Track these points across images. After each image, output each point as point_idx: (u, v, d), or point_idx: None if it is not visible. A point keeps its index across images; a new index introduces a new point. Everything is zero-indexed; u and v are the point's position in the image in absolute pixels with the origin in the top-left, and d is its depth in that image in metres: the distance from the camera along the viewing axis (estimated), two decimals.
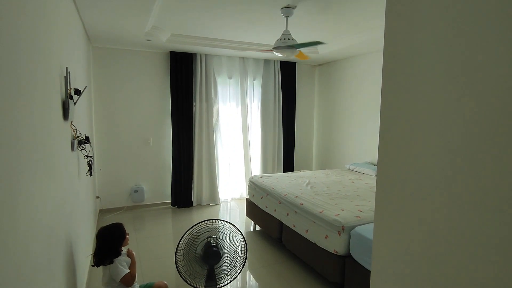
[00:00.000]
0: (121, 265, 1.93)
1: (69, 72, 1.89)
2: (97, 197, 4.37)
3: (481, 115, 0.62)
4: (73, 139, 2.08)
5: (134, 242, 3.50)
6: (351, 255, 2.36)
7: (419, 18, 0.75)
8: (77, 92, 2.13)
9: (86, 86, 2.49)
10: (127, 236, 2.05)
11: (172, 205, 4.85)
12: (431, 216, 0.73)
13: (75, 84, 2.28)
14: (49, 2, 1.56)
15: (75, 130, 2.13)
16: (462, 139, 0.66)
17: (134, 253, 2.11)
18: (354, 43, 4.01)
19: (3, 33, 0.87)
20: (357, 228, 2.35)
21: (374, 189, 3.15)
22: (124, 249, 2.07)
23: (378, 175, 0.90)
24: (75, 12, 2.69)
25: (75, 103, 2.04)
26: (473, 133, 0.64)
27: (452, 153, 0.68)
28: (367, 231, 2.27)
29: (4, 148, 0.85)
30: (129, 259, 2.05)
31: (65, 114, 1.79)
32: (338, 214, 2.54)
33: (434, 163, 0.72)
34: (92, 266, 1.96)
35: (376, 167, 3.69)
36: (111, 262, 1.92)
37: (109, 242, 1.95)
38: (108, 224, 2.05)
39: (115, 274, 1.91)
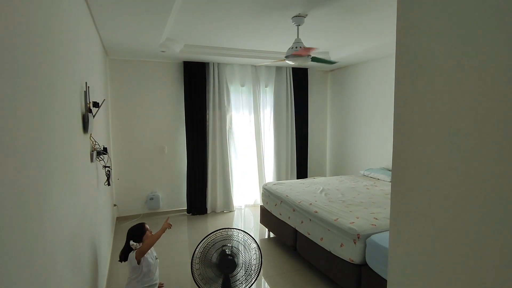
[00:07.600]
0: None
1: (88, 87, 1.97)
2: (114, 205, 4.47)
3: (497, 121, 0.62)
4: (92, 151, 2.15)
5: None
6: (367, 264, 2.33)
7: (430, 24, 0.75)
8: (96, 105, 2.21)
9: (104, 100, 2.57)
10: (147, 232, 2.35)
11: (187, 212, 4.91)
12: (450, 225, 0.72)
13: (93, 97, 2.36)
14: (72, 24, 1.63)
15: (94, 142, 2.21)
16: (478, 145, 0.65)
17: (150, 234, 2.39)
18: (367, 48, 4.00)
19: (36, 59, 0.93)
20: (372, 237, 2.32)
21: (390, 196, 3.10)
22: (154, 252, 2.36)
23: (392, 184, 0.90)
24: (94, 29, 2.79)
25: (94, 116, 2.11)
26: (489, 138, 0.63)
27: (469, 158, 0.67)
28: (383, 239, 2.24)
29: (33, 161, 0.90)
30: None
31: (85, 127, 1.86)
32: (353, 222, 2.52)
33: (450, 168, 0.71)
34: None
35: (391, 172, 3.62)
36: (126, 258, 2.18)
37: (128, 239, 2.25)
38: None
39: (132, 261, 2.13)
